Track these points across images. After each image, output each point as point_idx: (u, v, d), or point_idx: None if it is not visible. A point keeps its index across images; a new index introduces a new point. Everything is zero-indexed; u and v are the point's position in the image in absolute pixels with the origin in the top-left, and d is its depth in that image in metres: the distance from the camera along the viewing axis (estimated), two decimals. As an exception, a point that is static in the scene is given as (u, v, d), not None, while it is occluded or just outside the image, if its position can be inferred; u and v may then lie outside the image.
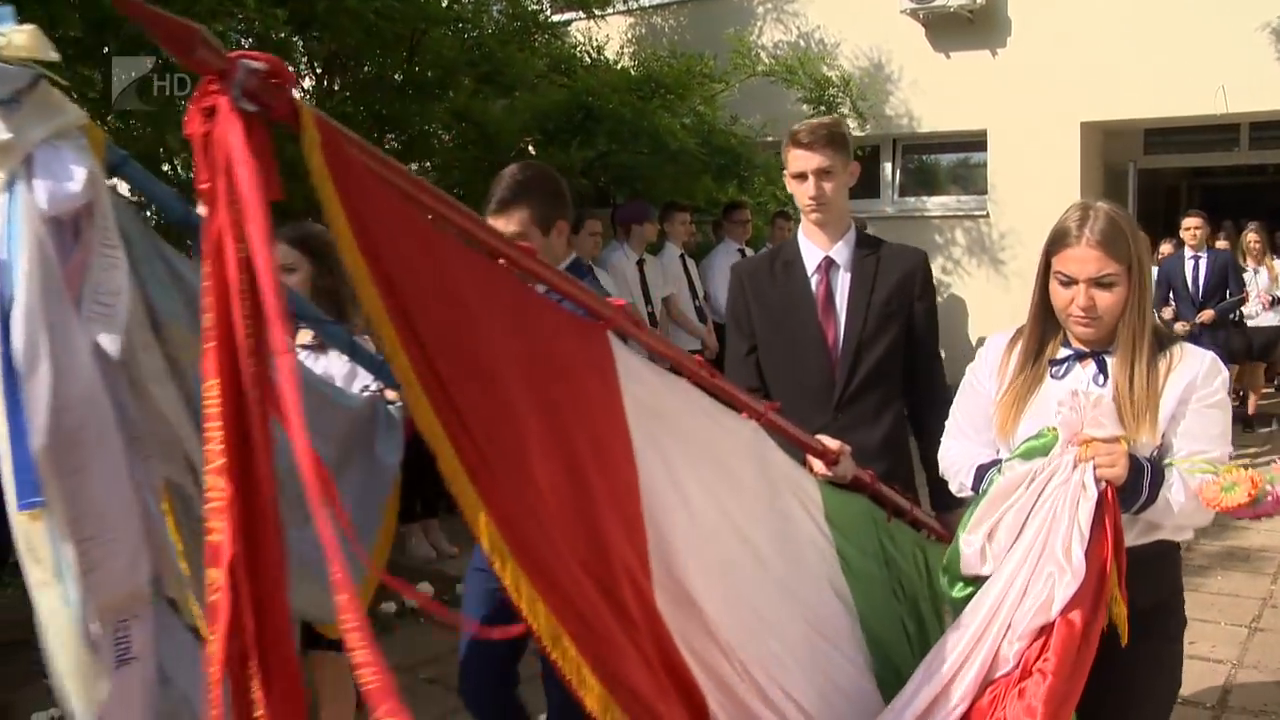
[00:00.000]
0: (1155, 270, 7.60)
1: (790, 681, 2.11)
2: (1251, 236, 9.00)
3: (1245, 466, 2.07)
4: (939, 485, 2.73)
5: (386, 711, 1.26)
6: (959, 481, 2.46)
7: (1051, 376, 2.30)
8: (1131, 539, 2.18)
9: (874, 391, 2.98)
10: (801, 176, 2.92)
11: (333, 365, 3.01)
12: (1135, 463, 2.08)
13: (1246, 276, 8.68)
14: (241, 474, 1.30)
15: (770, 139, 9.76)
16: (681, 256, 7.38)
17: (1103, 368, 2.25)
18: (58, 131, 1.49)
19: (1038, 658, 2.03)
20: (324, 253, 3.29)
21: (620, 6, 11.19)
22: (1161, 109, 9.69)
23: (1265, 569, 5.48)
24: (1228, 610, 4.89)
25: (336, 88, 7.14)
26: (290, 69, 1.46)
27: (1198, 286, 7.82)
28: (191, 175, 6.68)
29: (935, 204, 11.03)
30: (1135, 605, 2.13)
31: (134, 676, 1.59)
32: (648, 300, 6.97)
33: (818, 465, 2.55)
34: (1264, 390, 9.66)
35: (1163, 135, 11.08)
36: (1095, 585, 2.03)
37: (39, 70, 1.50)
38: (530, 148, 7.89)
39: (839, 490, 2.52)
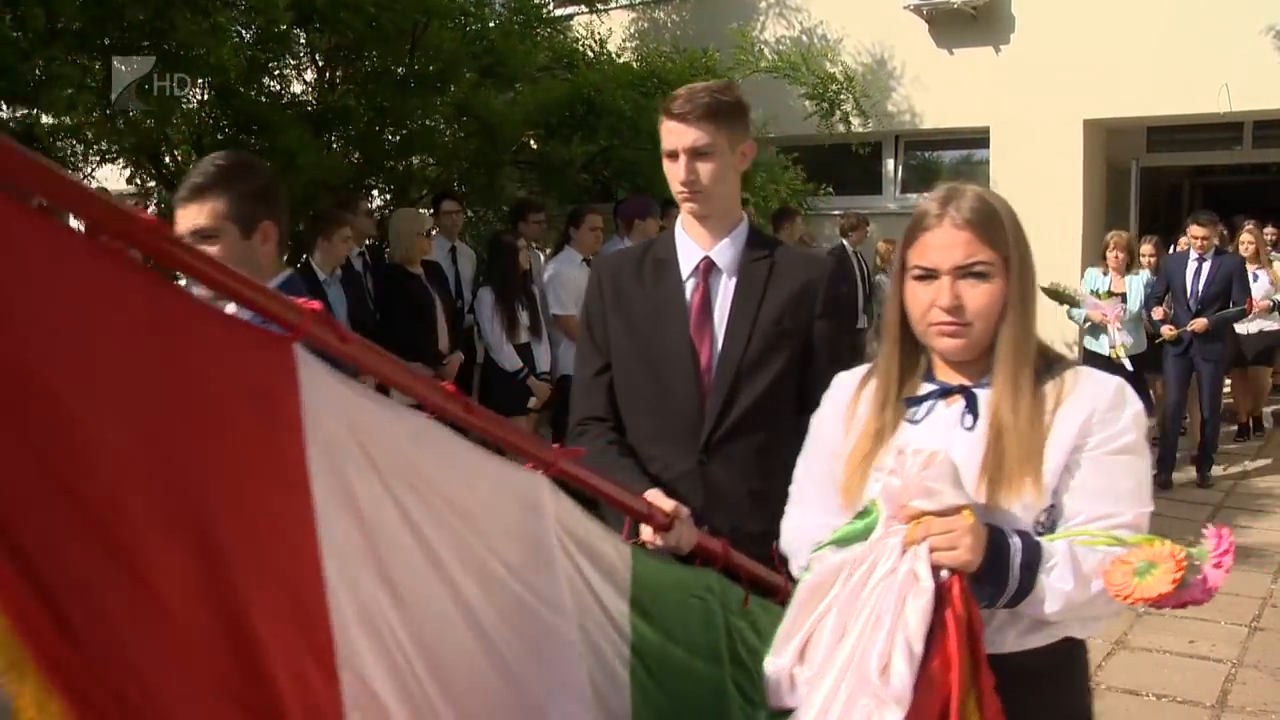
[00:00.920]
0: (1144, 274, 7.48)
1: None
2: (1246, 237, 8.50)
3: (1165, 539, 1.53)
4: None
5: None
6: (797, 564, 1.87)
7: (908, 420, 1.75)
8: (1010, 642, 1.65)
9: (754, 431, 2.34)
10: (673, 155, 2.32)
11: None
12: (994, 540, 1.53)
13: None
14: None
15: (772, 135, 9.76)
16: (683, 252, 7.36)
17: (973, 405, 1.70)
18: None
19: None
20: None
21: (622, 1, 11.19)
22: (1164, 107, 9.68)
23: (1266, 567, 5.48)
24: (1228, 609, 4.89)
25: (338, 81, 7.13)
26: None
27: (1196, 292, 7.22)
28: (192, 166, 6.69)
29: (937, 201, 11.00)
30: None
31: None
32: (648, 296, 6.96)
33: (646, 532, 2.07)
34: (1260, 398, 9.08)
35: (1166, 133, 11.06)
36: (936, 718, 1.44)
37: None
38: (532, 142, 7.88)
39: (669, 564, 2.02)
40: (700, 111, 2.28)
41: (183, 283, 1.31)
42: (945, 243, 1.67)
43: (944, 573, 1.49)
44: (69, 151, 6.72)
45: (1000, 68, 10.20)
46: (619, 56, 9.32)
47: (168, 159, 6.70)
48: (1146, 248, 8.12)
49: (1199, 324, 7.08)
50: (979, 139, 10.58)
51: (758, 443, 2.35)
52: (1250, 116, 10.01)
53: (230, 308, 1.34)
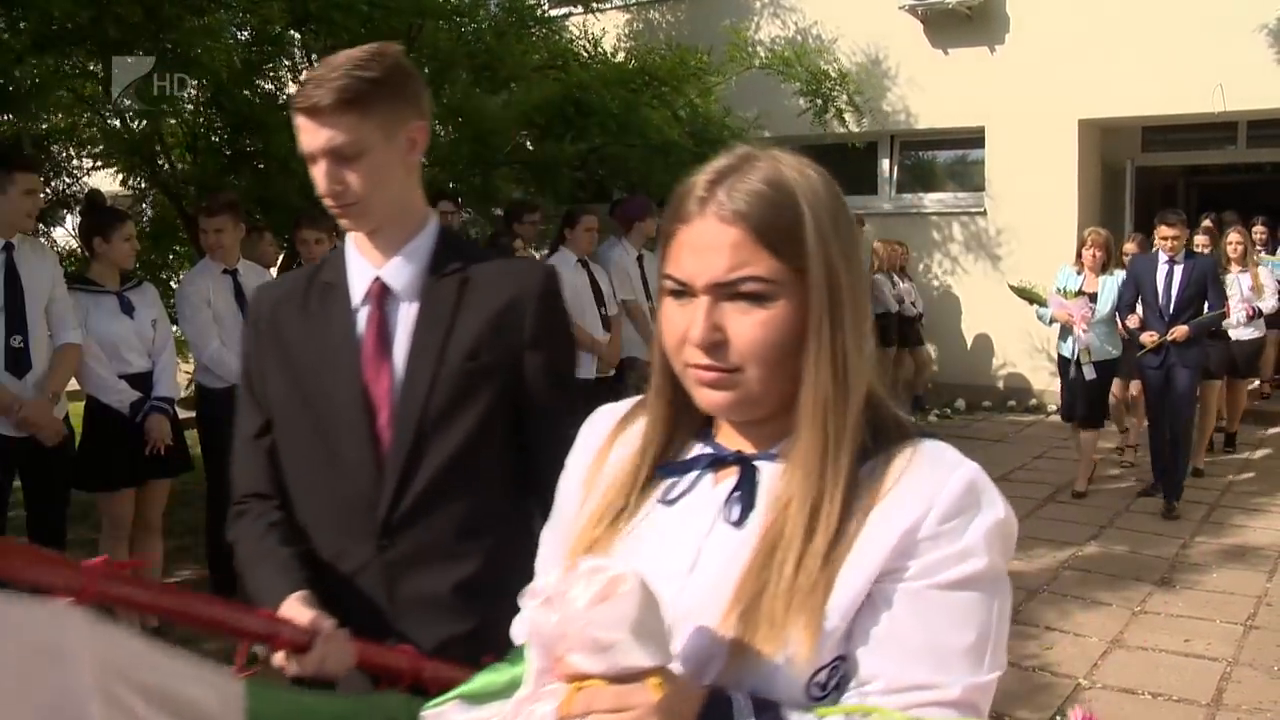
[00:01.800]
0: (1119, 275, 6.93)
1: None
2: (1234, 237, 8.09)
3: None
4: None
5: None
6: None
7: (661, 501, 1.18)
8: None
9: (451, 503, 1.78)
10: (311, 159, 1.75)
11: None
12: (713, 709, 0.99)
13: (1227, 280, 7.63)
14: None
15: (766, 134, 9.75)
16: (679, 252, 7.36)
17: (748, 486, 1.14)
18: None
19: None
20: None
21: (617, 1, 11.19)
22: (1159, 107, 9.69)
23: (1261, 566, 5.49)
24: (1223, 608, 4.90)
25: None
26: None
27: (1169, 297, 6.62)
28: (185, 169, 6.68)
29: (933, 201, 11.02)
30: None
31: None
32: (648, 296, 6.96)
33: (277, 657, 1.60)
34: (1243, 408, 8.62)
35: (1160, 133, 11.07)
36: None
37: None
38: (528, 143, 7.87)
39: (324, 698, 1.55)
40: (334, 100, 1.68)
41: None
42: (705, 243, 1.08)
43: None
44: (63, 155, 6.71)
45: (995, 68, 10.21)
46: (614, 56, 9.32)
47: (162, 162, 6.69)
48: (1130, 245, 7.74)
49: (1179, 332, 6.51)
50: (974, 139, 10.59)
51: (458, 519, 1.79)
52: (1244, 116, 10.02)
53: None
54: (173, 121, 6.25)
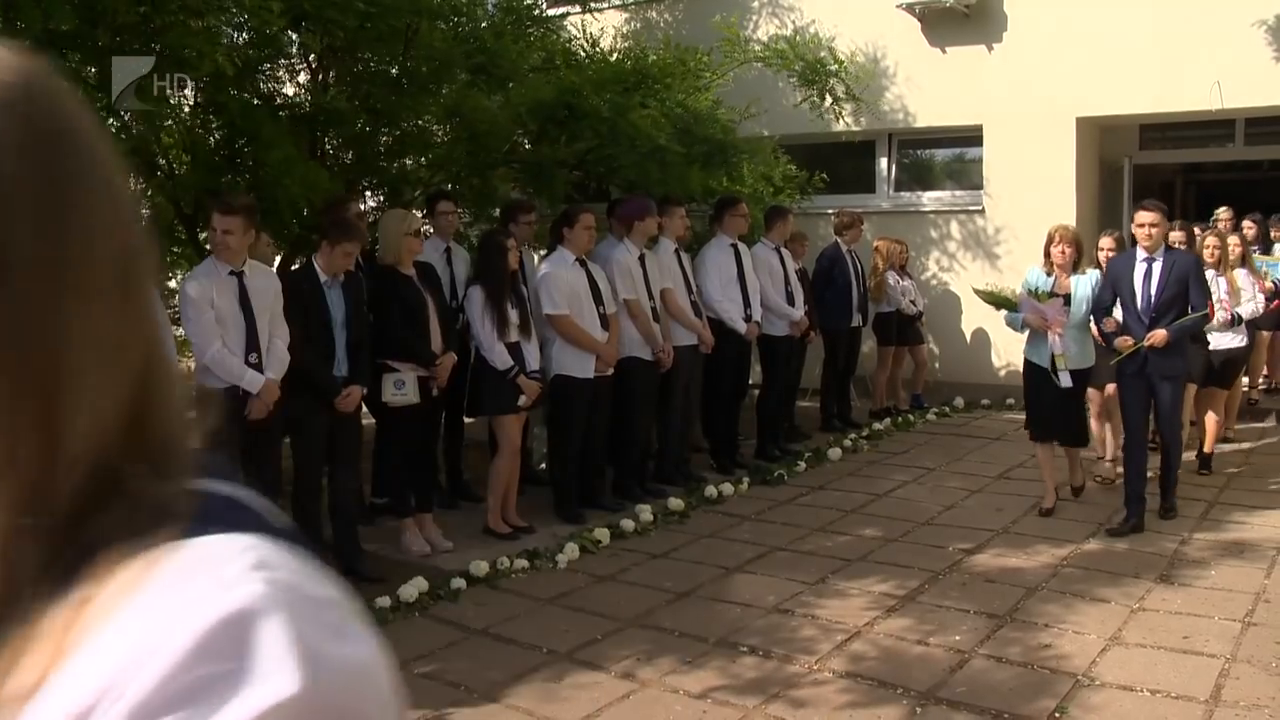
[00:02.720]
0: (1092, 274, 6.41)
1: None
2: (1212, 240, 7.42)
3: None
4: None
5: None
6: None
7: None
8: None
9: None
10: None
11: None
12: None
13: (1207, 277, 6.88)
14: None
15: (764, 132, 9.74)
16: (676, 251, 7.37)
17: None
18: None
19: None
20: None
21: (615, 0, 11.19)
22: (1157, 104, 9.69)
23: (1260, 563, 5.49)
24: (1221, 605, 4.90)
25: (330, 82, 7.12)
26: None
27: (1148, 298, 6.00)
28: (183, 173, 6.68)
29: (930, 199, 11.03)
30: None
31: None
32: (650, 295, 6.97)
33: None
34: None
35: (1159, 131, 11.08)
36: None
37: None
38: (526, 143, 7.88)
39: None
40: None
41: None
42: None
43: None
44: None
45: (993, 66, 10.22)
46: (611, 56, 9.32)
47: (160, 162, 6.69)
48: (1106, 241, 7.07)
49: (1157, 337, 5.89)
50: (972, 137, 10.60)
51: None
52: (1243, 114, 10.03)
53: None
54: (170, 124, 6.25)
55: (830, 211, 10.11)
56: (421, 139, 7.44)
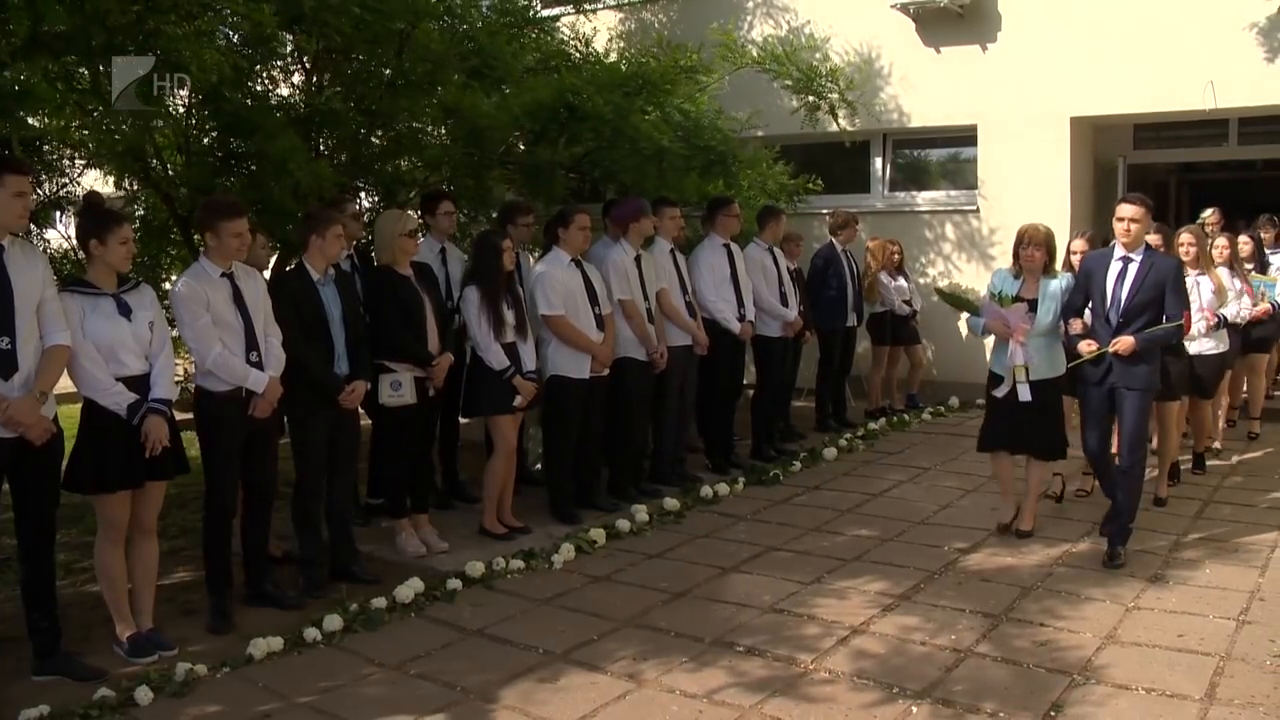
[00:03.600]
0: (1065, 278, 5.91)
1: None
2: (1186, 237, 6.82)
3: None
4: None
5: None
6: None
7: None
8: None
9: None
10: None
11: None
12: None
13: (1187, 283, 6.16)
14: None
15: (759, 133, 9.75)
16: (671, 252, 7.37)
17: None
18: None
19: None
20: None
21: (610, 1, 11.19)
22: (1151, 104, 9.72)
23: (1253, 562, 5.50)
24: (1215, 603, 4.91)
25: (325, 84, 7.12)
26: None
27: (1119, 300, 5.48)
28: (176, 172, 6.67)
29: (925, 199, 11.05)
30: None
31: None
32: (645, 296, 6.97)
33: None
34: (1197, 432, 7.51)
35: (1152, 130, 11.12)
36: None
37: None
38: (521, 144, 7.87)
39: None
40: None
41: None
42: None
43: None
44: (55, 157, 6.70)
45: (987, 66, 10.25)
46: (606, 57, 9.32)
47: (155, 163, 6.68)
48: (1078, 244, 6.66)
49: (1123, 343, 5.40)
50: (966, 137, 10.62)
51: None
52: (1236, 113, 10.07)
53: None
54: (161, 124, 6.24)
55: (825, 212, 10.12)
56: (416, 140, 7.43)
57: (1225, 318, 6.96)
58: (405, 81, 6.79)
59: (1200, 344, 6.79)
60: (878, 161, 11.20)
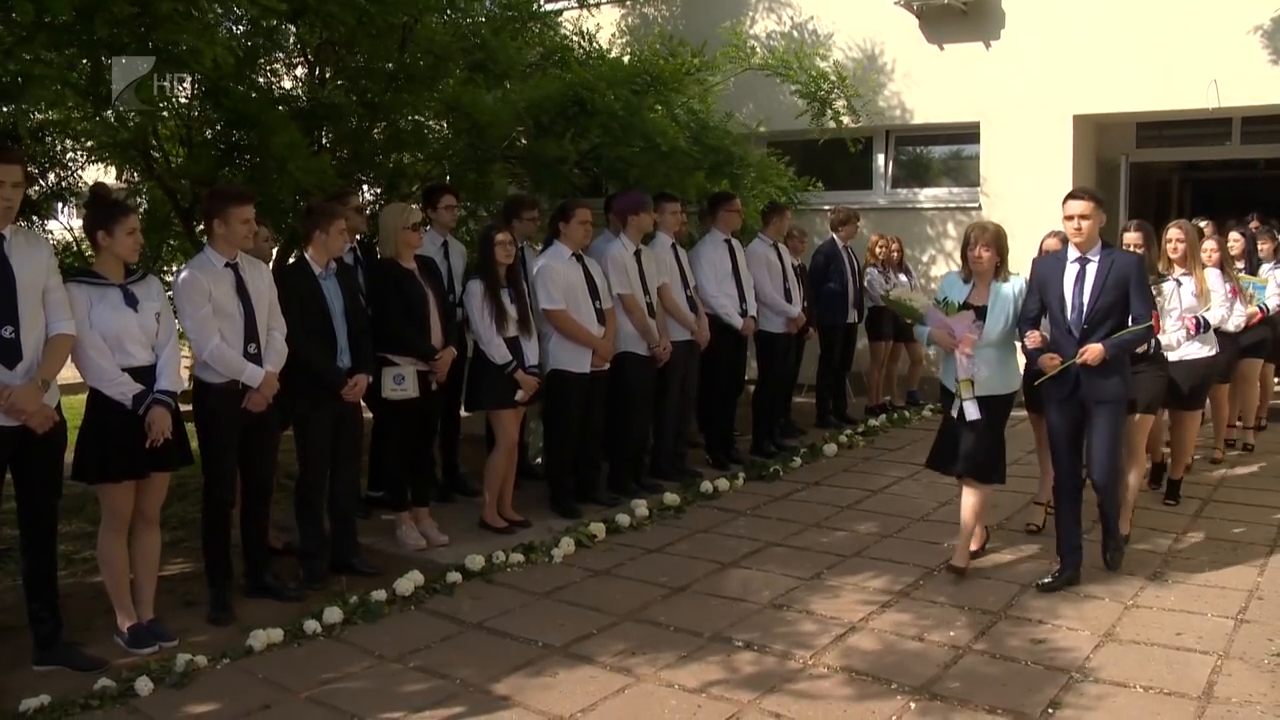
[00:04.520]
0: (1018, 280, 5.29)
1: None
2: (1174, 233, 6.26)
3: None
4: None
5: None
6: None
7: None
8: None
9: None
10: None
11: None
12: None
13: (1167, 289, 5.96)
14: None
15: (761, 129, 9.75)
16: (673, 246, 7.37)
17: None
18: None
19: None
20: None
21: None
22: (1154, 103, 9.72)
23: (1253, 561, 5.51)
24: (1214, 602, 4.92)
25: (328, 77, 7.12)
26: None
27: (1080, 307, 4.99)
28: (177, 163, 6.67)
29: (927, 196, 11.04)
30: None
31: None
32: (645, 290, 6.97)
33: None
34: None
35: (1155, 129, 11.11)
36: None
37: None
38: (523, 139, 7.87)
39: None
40: None
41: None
42: None
43: None
44: (58, 148, 6.70)
45: (990, 63, 10.24)
46: (609, 52, 9.32)
47: (157, 154, 6.68)
48: (1051, 242, 6.15)
49: (1091, 352, 4.91)
50: (969, 134, 10.62)
51: None
52: (1239, 112, 10.06)
53: None
54: (165, 115, 6.24)
55: (827, 208, 10.12)
56: (418, 134, 7.44)
57: (1207, 321, 6.25)
58: (407, 76, 6.79)
59: (1185, 349, 6.15)
60: (880, 158, 11.20)
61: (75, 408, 4.47)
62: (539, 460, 7.38)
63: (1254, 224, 9.15)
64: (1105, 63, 9.68)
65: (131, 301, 4.43)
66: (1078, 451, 5.21)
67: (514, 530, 6.17)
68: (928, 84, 10.44)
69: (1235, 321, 6.91)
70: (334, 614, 4.84)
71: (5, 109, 5.47)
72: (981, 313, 5.19)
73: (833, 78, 9.59)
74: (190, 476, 6.00)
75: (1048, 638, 4.55)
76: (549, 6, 9.22)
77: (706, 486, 7.11)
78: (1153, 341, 5.50)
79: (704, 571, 5.55)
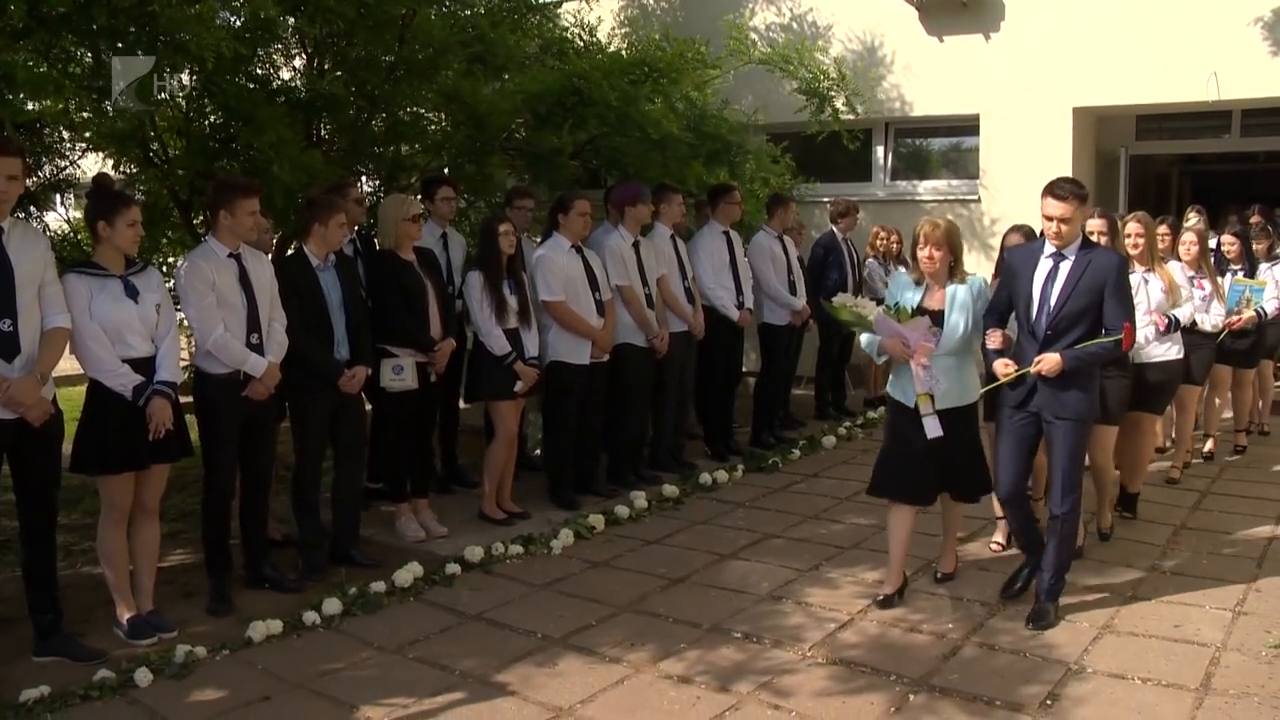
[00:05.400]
0: (977, 281, 4.77)
1: None
2: (1134, 227, 5.72)
3: None
4: None
5: None
6: None
7: None
8: None
9: None
10: None
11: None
12: None
13: (1131, 282, 4.89)
14: None
15: (760, 120, 9.73)
16: (672, 238, 7.37)
17: None
18: None
19: None
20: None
21: (612, -13, 11.15)
22: (1154, 95, 9.71)
23: (1251, 553, 5.52)
24: (1212, 594, 4.93)
25: (327, 68, 7.10)
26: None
27: (1048, 307, 4.46)
28: (176, 155, 6.65)
29: (926, 188, 11.03)
30: None
31: None
32: (644, 282, 6.97)
33: None
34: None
35: (1155, 121, 11.10)
36: None
37: None
38: (522, 130, 7.86)
39: None
40: None
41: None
42: None
43: None
44: (55, 139, 6.68)
45: (990, 55, 10.22)
46: (609, 45, 9.30)
47: (155, 145, 6.66)
48: (1013, 238, 5.49)
49: (1048, 363, 4.39)
50: (968, 126, 10.61)
51: None
52: (1239, 105, 10.05)
53: None
54: (165, 103, 6.22)
55: (826, 200, 10.12)
56: (416, 126, 7.42)
57: (1177, 320, 5.78)
58: (406, 68, 6.78)
59: (1150, 349, 5.67)
60: (879, 150, 11.18)
61: (74, 399, 4.47)
62: (538, 452, 7.38)
63: (1255, 218, 9.12)
64: (1105, 55, 9.67)
65: (132, 293, 4.43)
66: (1021, 468, 4.66)
67: (513, 522, 6.18)
68: (927, 76, 10.43)
69: (1212, 321, 6.55)
70: (333, 605, 4.84)
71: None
72: (937, 318, 4.66)
73: (833, 74, 9.58)
74: (190, 468, 6.00)
75: (1046, 629, 4.55)
76: (548, -1, 9.20)
77: (705, 478, 7.12)
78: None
79: (703, 563, 5.56)
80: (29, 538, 4.34)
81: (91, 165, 7.09)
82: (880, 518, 6.28)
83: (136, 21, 5.22)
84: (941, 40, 10.43)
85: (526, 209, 7.04)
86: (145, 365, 4.43)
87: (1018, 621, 4.64)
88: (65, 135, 6.67)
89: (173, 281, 5.17)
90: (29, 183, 6.21)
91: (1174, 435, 7.42)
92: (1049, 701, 3.89)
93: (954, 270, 4.72)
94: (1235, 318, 7.02)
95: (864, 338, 4.88)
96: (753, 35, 9.90)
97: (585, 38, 9.03)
